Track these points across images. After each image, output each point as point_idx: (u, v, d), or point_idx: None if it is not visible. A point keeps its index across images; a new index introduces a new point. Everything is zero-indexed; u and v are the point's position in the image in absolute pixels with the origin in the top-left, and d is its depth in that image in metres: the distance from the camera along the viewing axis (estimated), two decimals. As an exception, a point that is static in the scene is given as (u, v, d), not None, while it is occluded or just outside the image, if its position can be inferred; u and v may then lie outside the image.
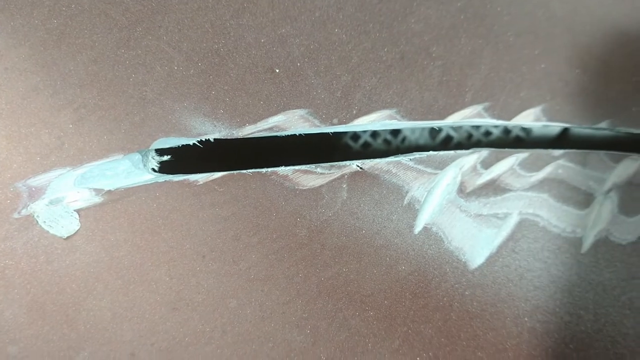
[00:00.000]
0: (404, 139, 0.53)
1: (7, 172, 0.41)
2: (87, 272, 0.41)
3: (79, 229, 0.41)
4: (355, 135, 0.51)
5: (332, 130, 0.46)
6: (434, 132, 0.53)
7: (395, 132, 0.53)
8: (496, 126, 0.53)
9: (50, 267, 0.41)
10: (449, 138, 0.53)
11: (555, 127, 0.53)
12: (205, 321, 0.42)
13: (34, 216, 0.41)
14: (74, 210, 0.41)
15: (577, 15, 0.56)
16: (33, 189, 0.41)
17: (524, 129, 0.53)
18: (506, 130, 0.54)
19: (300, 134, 0.45)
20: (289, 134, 0.44)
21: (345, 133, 0.51)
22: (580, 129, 0.52)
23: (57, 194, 0.41)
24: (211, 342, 0.42)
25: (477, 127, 0.53)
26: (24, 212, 0.40)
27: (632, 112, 0.54)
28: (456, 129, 0.53)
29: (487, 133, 0.54)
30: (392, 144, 0.53)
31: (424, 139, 0.54)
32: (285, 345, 0.42)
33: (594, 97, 0.53)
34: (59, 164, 0.41)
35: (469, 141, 0.53)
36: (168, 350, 0.41)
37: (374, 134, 0.52)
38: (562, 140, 0.54)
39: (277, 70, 0.45)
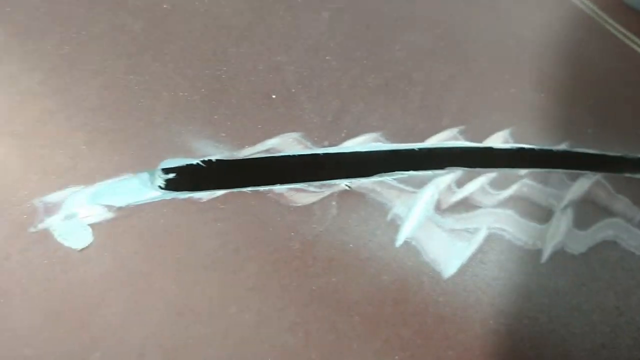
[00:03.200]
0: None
1: (24, 190, 0.39)
2: (100, 281, 0.40)
3: (92, 242, 0.39)
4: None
5: (323, 152, 0.45)
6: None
7: None
8: (452, 151, 0.52)
9: (65, 277, 0.39)
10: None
11: (508, 150, 0.52)
12: (207, 326, 0.41)
13: (50, 230, 0.39)
14: (88, 225, 0.39)
15: (542, 43, 0.55)
16: (49, 205, 0.39)
17: (479, 154, 0.52)
18: (461, 155, 0.52)
19: (294, 155, 0.44)
20: (284, 155, 0.43)
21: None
22: (534, 150, 0.52)
23: (71, 209, 0.39)
24: (213, 345, 0.41)
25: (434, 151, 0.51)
26: (40, 226, 0.39)
27: (588, 133, 0.54)
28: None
29: (444, 157, 0.52)
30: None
31: None
32: (280, 348, 0.42)
33: (554, 120, 0.53)
34: (73, 182, 0.39)
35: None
36: (174, 352, 0.41)
37: None
38: (516, 161, 0.53)
39: (274, 96, 0.43)
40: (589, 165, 0.51)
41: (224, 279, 0.40)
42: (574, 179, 0.48)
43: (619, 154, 0.53)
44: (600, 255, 0.49)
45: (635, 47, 0.59)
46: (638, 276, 0.50)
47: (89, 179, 0.38)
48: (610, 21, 0.59)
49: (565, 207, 0.47)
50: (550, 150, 0.49)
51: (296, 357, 0.40)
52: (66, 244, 0.38)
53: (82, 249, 0.38)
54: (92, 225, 0.38)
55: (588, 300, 0.47)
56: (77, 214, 0.38)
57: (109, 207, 0.38)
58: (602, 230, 0.49)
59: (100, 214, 0.38)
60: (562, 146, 0.49)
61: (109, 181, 0.38)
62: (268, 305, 0.40)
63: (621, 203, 0.51)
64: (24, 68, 0.36)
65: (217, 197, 0.39)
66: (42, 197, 0.37)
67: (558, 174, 0.47)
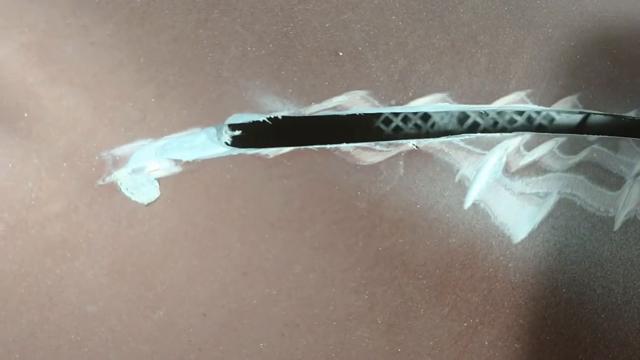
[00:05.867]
0: (433, 124, 0.50)
1: (93, 142, 0.37)
2: (165, 236, 0.38)
3: (158, 197, 0.38)
4: (387, 120, 0.48)
5: (390, 111, 0.42)
6: (461, 118, 0.50)
7: (426, 118, 0.50)
8: (520, 114, 0.50)
9: (131, 232, 0.38)
10: (475, 124, 0.50)
11: (575, 115, 0.50)
12: (272, 285, 0.39)
13: (117, 184, 0.38)
14: (155, 179, 0.38)
15: (606, 11, 0.53)
16: (117, 158, 0.37)
17: (547, 118, 0.50)
18: (529, 119, 0.51)
19: (360, 114, 0.42)
20: (351, 113, 0.41)
21: (377, 117, 0.48)
22: (602, 116, 0.49)
23: (139, 163, 0.37)
24: (277, 305, 0.39)
25: (502, 114, 0.50)
26: (107, 179, 0.37)
27: (656, 102, 0.51)
28: (482, 116, 0.50)
29: (512, 121, 0.51)
30: (422, 129, 0.50)
31: (452, 124, 0.51)
32: (345, 309, 0.39)
33: (622, 88, 0.50)
34: (141, 135, 0.37)
35: (494, 128, 0.50)
36: (237, 312, 0.39)
37: (405, 118, 0.49)
38: (584, 127, 0.51)
39: (341, 54, 0.41)
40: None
41: (289, 237, 0.38)
42: (644, 147, 0.45)
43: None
44: (675, 226, 0.45)
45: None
46: None
47: (157, 133, 0.36)
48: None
49: (637, 175, 0.44)
50: (619, 117, 0.46)
51: (361, 319, 0.38)
52: (133, 198, 0.36)
53: (149, 204, 0.36)
54: (159, 180, 0.37)
55: (664, 272, 0.44)
56: (145, 167, 0.36)
57: (176, 162, 0.37)
58: (676, 200, 0.46)
59: (168, 168, 0.37)
60: (631, 113, 0.46)
61: (177, 135, 0.37)
62: (333, 266, 0.38)
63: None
64: (95, 20, 0.35)
65: (284, 154, 0.38)
66: (111, 149, 0.36)
67: (628, 141, 0.44)
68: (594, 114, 0.45)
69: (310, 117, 0.38)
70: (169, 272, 0.36)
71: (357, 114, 0.40)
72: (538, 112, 0.47)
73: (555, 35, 0.47)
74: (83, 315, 0.36)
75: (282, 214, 0.37)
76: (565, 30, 0.47)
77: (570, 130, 0.45)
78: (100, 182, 0.35)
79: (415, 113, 0.48)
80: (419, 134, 0.47)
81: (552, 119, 0.48)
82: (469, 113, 0.47)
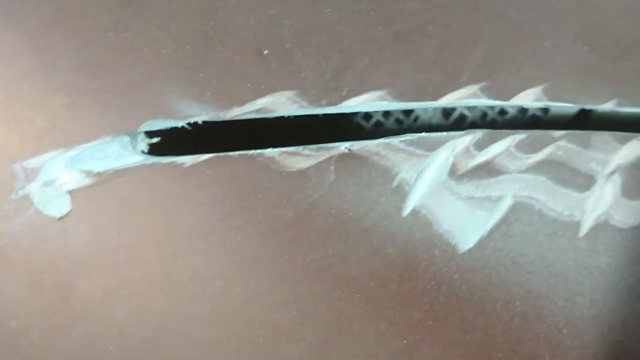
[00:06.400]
0: (416, 118, 0.46)
1: (3, 155, 0.36)
2: (79, 251, 0.36)
3: (70, 210, 0.37)
4: (367, 115, 0.45)
5: (321, 112, 0.39)
6: (447, 111, 0.46)
7: (408, 112, 0.46)
8: (512, 105, 0.45)
9: (46, 246, 0.36)
10: (462, 117, 0.46)
11: (572, 107, 0.45)
12: (193, 301, 0.37)
13: (30, 197, 0.37)
14: (66, 192, 0.37)
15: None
16: (29, 170, 0.36)
17: (542, 109, 0.45)
18: (522, 110, 0.46)
19: (288, 116, 0.39)
20: (277, 115, 0.38)
21: (356, 113, 0.44)
22: (591, 109, 0.44)
23: (50, 175, 0.36)
24: (199, 322, 0.37)
25: (492, 106, 0.45)
26: (20, 193, 0.36)
27: (642, 90, 0.45)
28: (470, 108, 0.46)
29: (503, 112, 0.46)
30: (405, 124, 0.46)
31: (437, 118, 0.47)
32: (272, 326, 0.37)
33: (600, 76, 0.44)
34: (52, 146, 0.36)
35: (483, 120, 0.46)
36: (157, 329, 0.37)
37: (386, 113, 0.46)
38: (578, 121, 0.45)
39: (266, 52, 0.38)
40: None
41: (209, 250, 0.35)
42: (623, 141, 0.40)
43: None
44: (657, 229, 0.40)
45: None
46: None
47: (67, 143, 0.35)
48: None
49: (612, 173, 0.39)
50: (592, 110, 0.41)
51: (289, 336, 0.35)
52: (45, 212, 0.35)
53: (61, 218, 0.35)
54: (70, 192, 0.35)
55: (641, 282, 0.39)
56: (56, 179, 0.35)
57: (88, 173, 0.35)
58: (659, 201, 0.41)
59: (79, 180, 0.35)
60: (609, 105, 0.41)
61: (89, 145, 0.35)
62: (257, 280, 0.35)
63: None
64: (2, 28, 0.34)
65: (202, 162, 0.35)
66: (22, 162, 0.35)
67: (602, 136, 0.39)
68: (561, 106, 0.41)
69: (230, 121, 0.35)
70: (85, 288, 0.34)
71: (285, 116, 0.37)
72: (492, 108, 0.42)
73: (521, 19, 0.42)
74: (7, 330, 0.35)
75: (201, 226, 0.35)
76: (534, 14, 0.43)
77: (566, 126, 0.41)
78: (13, 196, 0.34)
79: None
80: (400, 129, 0.44)
81: (546, 112, 0.44)
82: (455, 106, 0.44)
